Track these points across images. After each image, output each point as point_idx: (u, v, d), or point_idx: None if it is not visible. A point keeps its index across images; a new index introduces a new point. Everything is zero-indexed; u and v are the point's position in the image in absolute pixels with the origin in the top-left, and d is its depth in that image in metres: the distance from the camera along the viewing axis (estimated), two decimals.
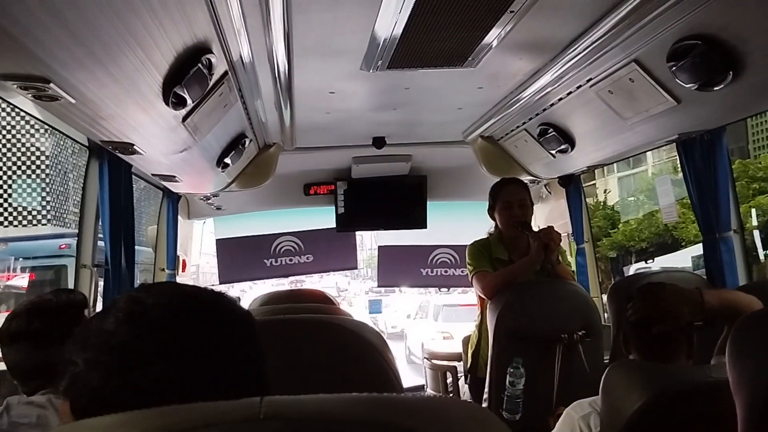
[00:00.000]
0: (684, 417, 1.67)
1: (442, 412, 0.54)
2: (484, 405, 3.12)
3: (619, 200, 22.48)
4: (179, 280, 4.82)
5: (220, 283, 6.00)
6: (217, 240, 5.93)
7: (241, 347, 0.85)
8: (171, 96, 2.23)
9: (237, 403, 0.52)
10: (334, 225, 5.36)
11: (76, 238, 3.15)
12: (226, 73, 2.56)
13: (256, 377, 0.85)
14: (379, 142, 4.46)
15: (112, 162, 3.01)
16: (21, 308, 1.79)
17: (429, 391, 4.83)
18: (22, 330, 1.73)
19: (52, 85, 1.77)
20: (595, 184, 21.14)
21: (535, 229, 3.38)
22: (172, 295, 0.87)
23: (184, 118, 2.56)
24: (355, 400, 0.53)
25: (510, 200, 3.37)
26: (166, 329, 0.81)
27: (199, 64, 2.21)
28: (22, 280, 9.79)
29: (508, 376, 2.92)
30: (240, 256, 5.90)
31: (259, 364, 0.87)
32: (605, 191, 22.18)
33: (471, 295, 3.72)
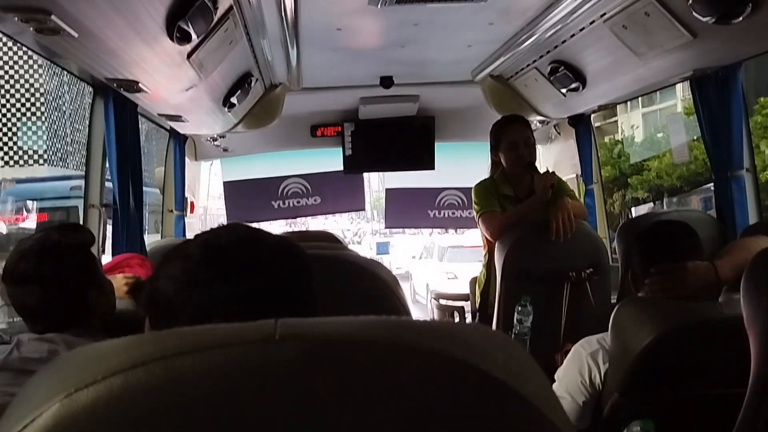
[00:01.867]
0: (695, 353, 1.68)
1: (464, 333, 0.53)
2: None
3: (646, 137, 21.18)
4: (187, 221, 4.83)
5: None
6: (224, 182, 5.92)
7: (298, 280, 0.95)
8: (175, 30, 2.19)
9: (252, 324, 0.51)
10: (341, 166, 5.33)
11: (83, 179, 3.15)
12: (231, 8, 2.51)
13: (310, 309, 0.94)
14: (386, 81, 4.39)
15: (118, 101, 2.97)
16: (27, 248, 1.72)
17: None
18: (30, 272, 1.69)
19: (53, 16, 1.72)
20: (616, 120, 20.21)
21: (540, 169, 3.36)
22: (244, 232, 0.98)
23: (189, 55, 2.52)
24: (375, 322, 0.52)
25: (515, 140, 3.34)
26: (230, 254, 0.92)
27: None
28: (33, 222, 9.81)
29: (516, 314, 2.94)
30: (248, 198, 5.90)
31: (313, 302, 0.96)
32: (632, 127, 21.14)
33: (475, 237, 3.72)
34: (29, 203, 10.22)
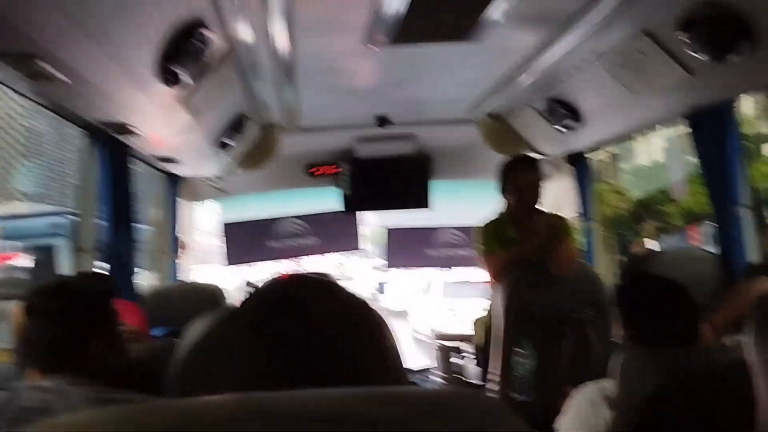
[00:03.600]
0: (704, 398, 1.62)
1: (451, 405, 0.49)
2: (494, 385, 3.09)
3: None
4: (178, 262, 4.78)
5: (228, 265, 6.00)
6: (225, 224, 5.91)
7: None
8: (168, 74, 2.17)
9: (213, 399, 0.47)
10: (336, 205, 5.31)
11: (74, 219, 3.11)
12: (224, 51, 2.49)
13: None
14: (382, 120, 4.39)
15: (110, 144, 2.94)
16: (46, 285, 1.74)
17: (437, 373, 4.81)
18: (40, 307, 1.69)
19: (38, 61, 1.70)
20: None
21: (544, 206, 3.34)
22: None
23: (182, 98, 2.50)
24: (353, 396, 0.47)
25: (521, 186, 3.33)
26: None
27: (196, 41, 2.14)
28: (21, 260, 9.54)
29: (517, 356, 2.89)
30: (246, 238, 5.91)
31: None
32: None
33: (479, 272, 3.69)
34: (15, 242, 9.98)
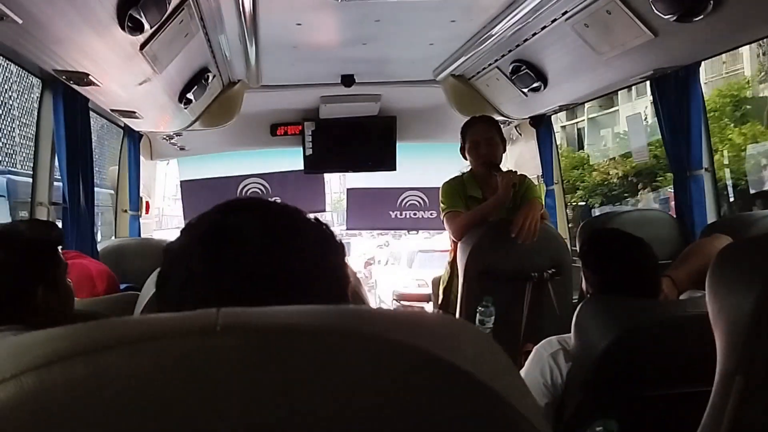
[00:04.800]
0: (658, 351, 1.66)
1: (429, 323, 0.48)
2: None
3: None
4: (142, 222, 4.70)
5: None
6: (181, 181, 5.80)
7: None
8: (127, 19, 2.10)
9: (190, 314, 0.45)
10: (301, 166, 5.26)
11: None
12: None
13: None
14: (347, 80, 4.34)
15: (68, 94, 2.86)
16: None
17: None
18: None
19: None
20: (618, 110, 17.39)
21: (505, 169, 3.33)
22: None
23: (142, 46, 2.43)
24: (329, 311, 0.46)
25: (477, 139, 3.32)
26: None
27: None
28: None
29: (477, 314, 2.91)
30: (205, 198, 5.77)
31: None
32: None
33: (445, 239, 3.69)
34: None
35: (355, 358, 0.41)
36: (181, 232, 0.83)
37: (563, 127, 19.20)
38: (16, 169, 5.11)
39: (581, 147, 18.66)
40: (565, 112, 4.36)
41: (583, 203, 15.68)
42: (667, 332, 1.68)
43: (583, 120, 18.60)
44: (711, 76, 16.09)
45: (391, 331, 0.43)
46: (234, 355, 0.41)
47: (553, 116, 4.57)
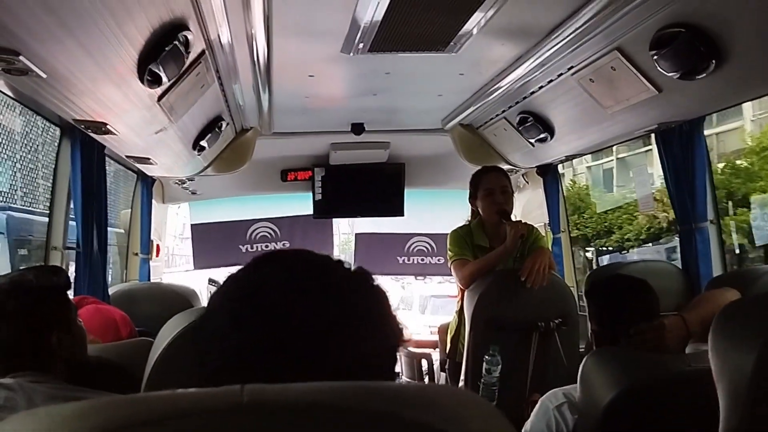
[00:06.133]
0: (663, 405, 1.67)
1: (432, 396, 0.51)
2: None
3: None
4: (152, 265, 4.74)
5: (195, 269, 5.94)
6: (192, 225, 5.85)
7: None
8: (146, 73, 2.17)
9: (216, 391, 0.48)
10: (311, 212, 5.31)
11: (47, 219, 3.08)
12: (203, 53, 2.50)
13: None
14: (357, 128, 4.42)
15: (85, 142, 2.93)
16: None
17: (404, 378, 4.83)
18: None
19: (21, 57, 1.70)
20: (651, 149, 15.50)
21: (514, 219, 3.37)
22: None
23: (160, 98, 2.50)
24: (347, 389, 0.49)
25: (491, 187, 3.35)
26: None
27: (176, 42, 2.15)
28: None
29: (484, 363, 2.92)
30: (215, 241, 5.83)
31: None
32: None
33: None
34: None
35: None
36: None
37: (588, 167, 19.18)
38: (15, 205, 5.10)
39: (609, 188, 18.57)
40: None
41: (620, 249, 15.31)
42: (672, 387, 1.69)
43: (612, 160, 18.24)
44: (759, 113, 15.51)
45: (406, 409, 0.46)
46: (259, 431, 0.45)
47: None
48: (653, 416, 1.68)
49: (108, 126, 2.61)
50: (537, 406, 2.04)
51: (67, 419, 0.46)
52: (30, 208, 4.92)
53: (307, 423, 0.45)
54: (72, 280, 3.12)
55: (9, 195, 5.10)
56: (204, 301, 3.70)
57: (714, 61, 2.28)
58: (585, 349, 3.04)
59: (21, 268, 2.19)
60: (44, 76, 1.89)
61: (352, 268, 0.80)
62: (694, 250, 3.17)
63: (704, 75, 2.35)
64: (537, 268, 3.08)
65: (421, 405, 0.48)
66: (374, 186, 5.24)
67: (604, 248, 15.65)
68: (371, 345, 0.74)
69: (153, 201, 4.66)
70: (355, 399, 0.47)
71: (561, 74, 3.02)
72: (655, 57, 2.40)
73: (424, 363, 4.59)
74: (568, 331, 3.17)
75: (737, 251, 12.17)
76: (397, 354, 0.80)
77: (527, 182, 4.92)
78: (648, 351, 1.93)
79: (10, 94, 2.39)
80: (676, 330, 1.98)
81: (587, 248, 16.35)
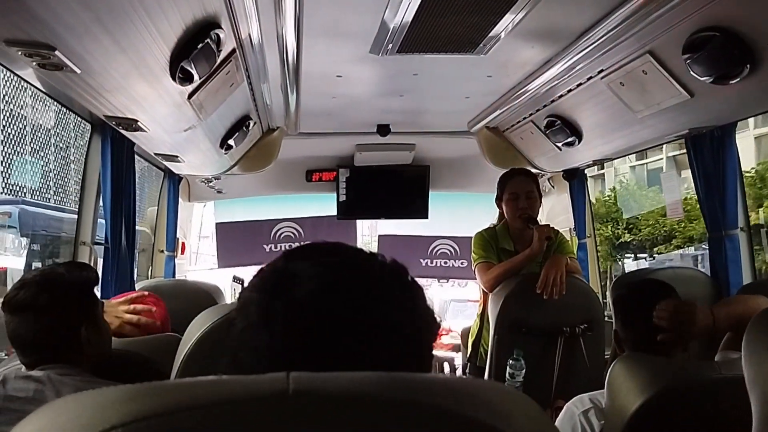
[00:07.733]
0: (691, 413, 1.64)
1: (485, 394, 0.51)
2: None
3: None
4: (177, 263, 4.78)
5: (219, 267, 5.98)
6: (216, 224, 5.90)
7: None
8: (178, 71, 2.18)
9: (263, 377, 0.48)
10: (334, 212, 5.32)
11: (77, 213, 3.12)
12: (234, 51, 2.52)
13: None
14: (383, 129, 4.42)
15: (115, 139, 2.97)
16: (30, 279, 1.74)
17: None
18: (28, 302, 1.70)
19: (57, 52, 1.72)
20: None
21: (540, 222, 3.35)
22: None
23: (190, 95, 2.52)
24: (394, 379, 0.49)
25: (517, 191, 3.34)
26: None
27: (208, 40, 2.16)
28: None
29: (508, 367, 2.90)
30: (239, 240, 5.88)
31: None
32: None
33: (476, 289, 3.68)
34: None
35: (415, 428, 0.45)
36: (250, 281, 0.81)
37: (632, 167, 18.94)
38: (27, 199, 5.13)
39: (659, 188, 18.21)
40: None
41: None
42: (701, 394, 1.67)
43: (661, 159, 17.64)
44: None
45: (452, 402, 0.46)
46: (305, 419, 0.45)
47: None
48: (681, 423, 1.66)
49: (138, 123, 2.63)
50: (563, 411, 2.02)
51: (116, 402, 0.46)
52: (42, 202, 4.96)
53: (352, 413, 0.45)
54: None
55: (42, 191, 5.13)
56: (228, 299, 3.73)
57: (748, 66, 2.25)
58: (610, 355, 3.03)
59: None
60: (78, 71, 1.92)
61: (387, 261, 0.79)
62: (723, 258, 3.13)
63: (737, 80, 2.32)
64: (551, 278, 3.07)
65: (468, 399, 0.47)
66: (399, 188, 5.25)
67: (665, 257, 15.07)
68: (408, 338, 0.73)
69: (179, 199, 4.70)
70: (401, 390, 0.47)
71: (591, 77, 3.00)
72: (688, 61, 2.37)
73: (446, 366, 4.57)
74: (594, 337, 3.14)
75: None
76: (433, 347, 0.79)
77: (553, 186, 4.89)
78: (668, 334, 1.94)
79: (43, 89, 2.42)
80: (702, 317, 1.98)
81: (639, 255, 15.49)
